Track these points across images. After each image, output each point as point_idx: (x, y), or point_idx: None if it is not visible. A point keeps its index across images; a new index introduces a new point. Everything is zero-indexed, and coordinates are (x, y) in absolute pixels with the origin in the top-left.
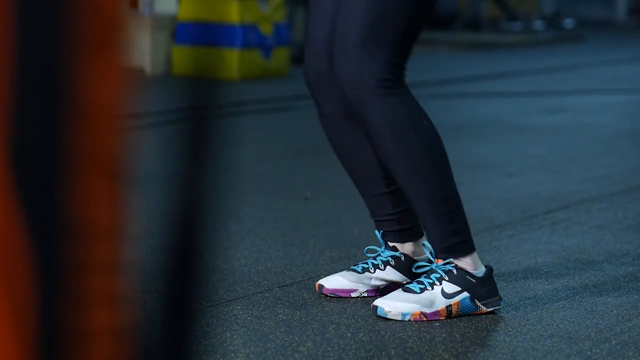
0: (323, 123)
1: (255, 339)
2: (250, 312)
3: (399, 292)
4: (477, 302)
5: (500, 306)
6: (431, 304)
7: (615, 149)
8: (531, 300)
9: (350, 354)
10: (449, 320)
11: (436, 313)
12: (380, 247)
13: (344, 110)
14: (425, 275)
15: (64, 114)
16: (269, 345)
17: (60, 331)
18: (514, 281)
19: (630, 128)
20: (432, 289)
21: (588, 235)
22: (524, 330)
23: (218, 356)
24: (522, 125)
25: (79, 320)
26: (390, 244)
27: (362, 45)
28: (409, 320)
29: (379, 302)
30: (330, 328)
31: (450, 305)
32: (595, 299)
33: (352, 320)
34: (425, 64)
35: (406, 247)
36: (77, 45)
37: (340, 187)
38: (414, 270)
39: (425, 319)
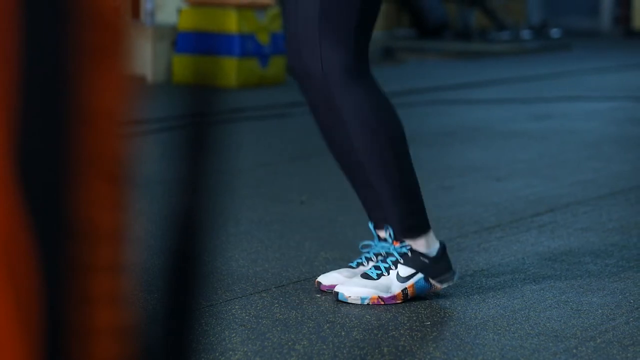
0: (313, 113)
1: (252, 337)
2: (248, 311)
3: (358, 279)
4: (431, 280)
5: (455, 280)
6: (388, 289)
7: (600, 154)
8: (519, 300)
9: (345, 351)
10: (440, 320)
11: (393, 297)
12: (373, 240)
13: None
14: (382, 259)
15: (68, 119)
16: (266, 343)
17: (64, 330)
18: (502, 281)
19: (615, 134)
20: (389, 274)
21: (574, 238)
22: (512, 329)
23: (217, 354)
24: (510, 131)
25: (82, 320)
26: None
27: (320, 39)
28: (368, 304)
29: (339, 288)
30: (325, 327)
31: (406, 288)
32: (581, 299)
33: (347, 319)
34: (416, 71)
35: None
36: (81, 53)
37: (334, 191)
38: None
39: (382, 302)
